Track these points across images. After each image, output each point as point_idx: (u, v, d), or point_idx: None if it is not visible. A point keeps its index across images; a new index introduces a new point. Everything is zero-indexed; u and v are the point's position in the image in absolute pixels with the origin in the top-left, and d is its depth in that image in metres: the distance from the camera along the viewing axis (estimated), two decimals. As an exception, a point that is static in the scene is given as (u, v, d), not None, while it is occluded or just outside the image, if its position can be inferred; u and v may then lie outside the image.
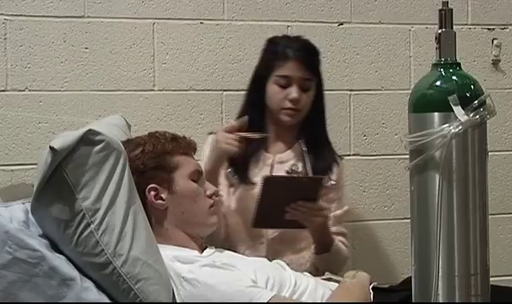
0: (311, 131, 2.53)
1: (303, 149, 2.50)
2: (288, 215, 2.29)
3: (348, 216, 2.64)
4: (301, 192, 2.29)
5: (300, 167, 2.48)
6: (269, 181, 2.27)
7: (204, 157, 2.47)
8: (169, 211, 2.13)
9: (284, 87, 2.45)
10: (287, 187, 2.30)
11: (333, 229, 2.49)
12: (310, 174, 2.45)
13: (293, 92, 2.44)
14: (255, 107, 2.51)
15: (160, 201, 2.12)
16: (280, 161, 2.51)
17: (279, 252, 2.44)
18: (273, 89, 2.47)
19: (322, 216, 2.35)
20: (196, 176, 2.18)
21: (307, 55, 2.48)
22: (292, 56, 2.45)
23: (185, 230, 2.15)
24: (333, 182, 2.50)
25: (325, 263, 2.44)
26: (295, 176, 2.40)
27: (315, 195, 2.29)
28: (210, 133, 2.55)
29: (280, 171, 2.47)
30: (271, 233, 2.46)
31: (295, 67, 2.45)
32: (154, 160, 2.12)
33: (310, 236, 2.44)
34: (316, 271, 2.40)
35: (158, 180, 2.11)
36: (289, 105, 2.45)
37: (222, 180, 2.49)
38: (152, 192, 2.11)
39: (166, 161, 2.14)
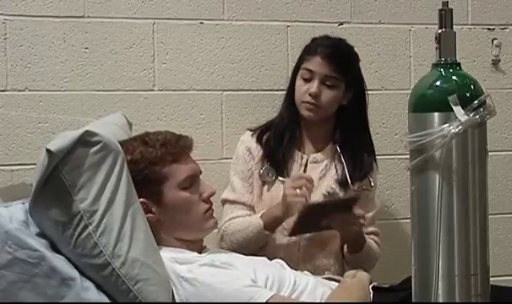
0: (347, 134, 2.54)
1: (338, 153, 2.51)
2: (324, 223, 2.35)
3: (379, 215, 2.67)
4: (337, 210, 2.34)
5: (337, 189, 2.49)
6: (308, 208, 2.29)
7: (237, 158, 2.53)
8: (161, 222, 2.09)
9: (307, 81, 2.47)
10: (324, 209, 2.35)
11: (368, 229, 2.52)
12: (348, 179, 2.46)
13: (313, 86, 2.45)
14: (290, 101, 2.53)
15: (150, 214, 2.06)
16: (315, 161, 2.52)
17: (312, 255, 2.47)
18: (298, 82, 2.50)
19: (358, 224, 2.37)
20: (189, 182, 2.12)
21: (334, 53, 2.48)
22: (319, 51, 2.47)
23: (181, 238, 2.12)
24: (371, 185, 2.54)
25: (356, 261, 2.46)
26: (332, 199, 2.41)
27: (351, 209, 2.34)
28: (248, 130, 2.58)
29: (314, 171, 2.49)
30: (305, 238, 2.48)
31: (319, 62, 2.46)
32: (141, 172, 2.04)
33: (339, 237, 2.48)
34: (343, 269, 2.44)
35: (146, 193, 2.05)
36: (308, 98, 2.46)
37: (255, 181, 2.50)
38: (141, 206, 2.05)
39: (154, 173, 2.07)
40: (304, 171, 2.50)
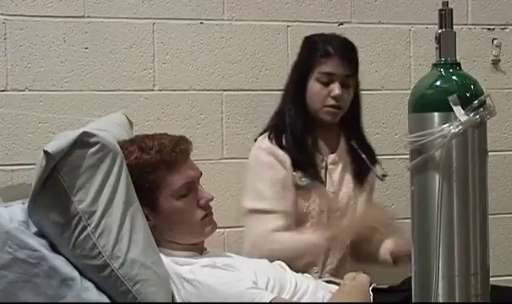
0: (355, 130, 2.56)
1: (355, 148, 2.53)
2: None
3: None
4: None
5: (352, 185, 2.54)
6: None
7: (261, 165, 2.43)
8: (158, 228, 2.06)
9: (326, 84, 2.44)
10: None
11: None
12: (370, 166, 2.53)
13: (336, 89, 2.43)
14: (297, 106, 2.48)
15: (147, 221, 2.02)
16: (333, 162, 2.51)
17: (344, 261, 2.49)
18: (315, 87, 2.45)
19: None
20: (185, 190, 2.07)
21: (348, 51, 2.47)
22: (334, 52, 2.44)
23: (178, 242, 2.11)
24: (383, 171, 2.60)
25: None
26: None
27: None
28: (263, 136, 2.49)
29: (334, 173, 2.49)
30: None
31: (337, 63, 2.44)
32: (135, 180, 1.99)
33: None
34: None
35: (141, 200, 2.00)
36: (331, 102, 2.44)
37: (290, 188, 2.42)
38: None
39: (149, 181, 2.03)
40: (325, 174, 2.48)
